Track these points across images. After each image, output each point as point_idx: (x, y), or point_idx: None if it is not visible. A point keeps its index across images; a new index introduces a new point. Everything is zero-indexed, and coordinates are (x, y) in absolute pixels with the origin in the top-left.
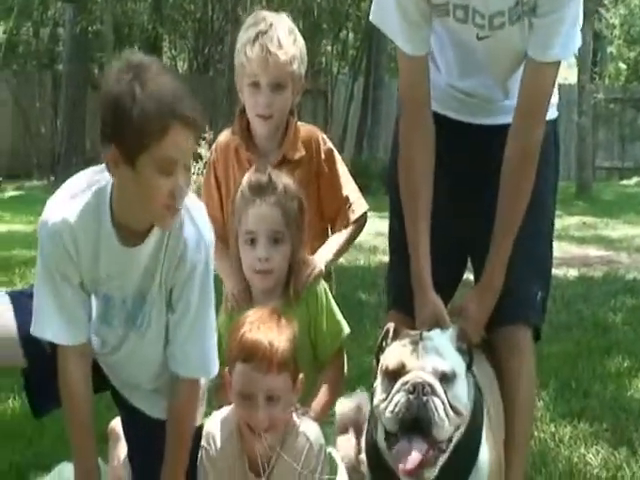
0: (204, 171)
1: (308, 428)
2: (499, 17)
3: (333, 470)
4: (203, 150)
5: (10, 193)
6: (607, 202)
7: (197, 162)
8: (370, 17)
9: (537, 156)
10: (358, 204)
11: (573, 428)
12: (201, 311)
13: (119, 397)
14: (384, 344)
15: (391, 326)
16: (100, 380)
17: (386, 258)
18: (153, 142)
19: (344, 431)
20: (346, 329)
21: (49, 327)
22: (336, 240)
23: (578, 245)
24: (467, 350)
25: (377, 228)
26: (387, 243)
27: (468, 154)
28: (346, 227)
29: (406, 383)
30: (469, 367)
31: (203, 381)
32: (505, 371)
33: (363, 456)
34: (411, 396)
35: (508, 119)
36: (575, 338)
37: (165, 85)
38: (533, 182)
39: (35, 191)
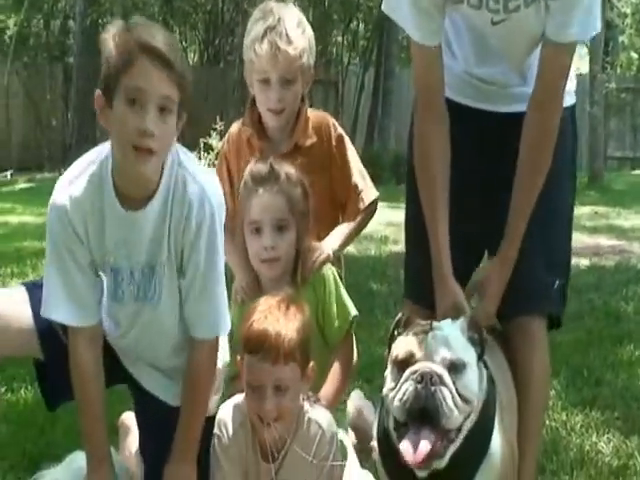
0: (216, 162)
1: (320, 416)
2: (514, 0)
3: (343, 456)
4: (214, 141)
5: (21, 185)
6: (619, 192)
7: (208, 153)
8: (382, 6)
9: (556, 132)
10: (368, 191)
11: (585, 416)
12: (209, 271)
13: (134, 384)
14: (395, 333)
15: (403, 315)
16: (115, 371)
17: (397, 248)
18: (123, 75)
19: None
20: (353, 311)
21: (58, 308)
22: (345, 227)
23: (590, 235)
24: (479, 340)
25: (388, 218)
26: (397, 233)
27: (485, 141)
28: (356, 215)
29: (414, 372)
30: (480, 357)
31: (221, 364)
32: (518, 362)
33: (374, 443)
34: (419, 386)
35: (525, 107)
36: (587, 327)
37: (146, 28)
38: (551, 158)
39: (46, 183)
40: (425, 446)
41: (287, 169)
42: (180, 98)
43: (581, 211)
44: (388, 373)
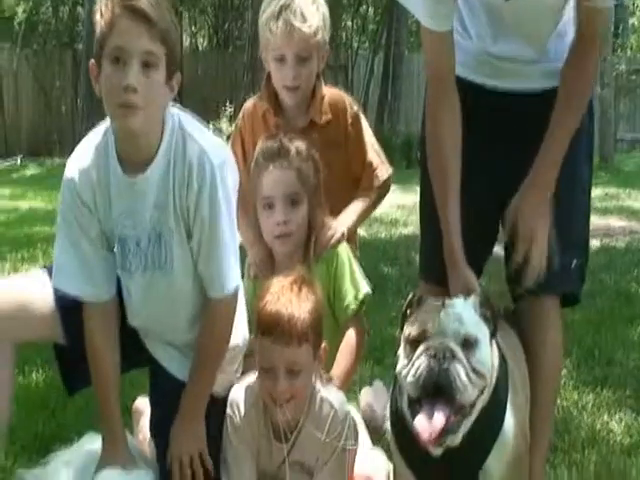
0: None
1: (332, 395)
2: None
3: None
4: (224, 125)
5: (31, 171)
6: (629, 173)
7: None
8: None
9: (599, 49)
10: (383, 168)
11: (596, 395)
12: (214, 230)
13: (150, 362)
14: (408, 312)
15: (415, 294)
16: (133, 353)
17: (407, 231)
18: (107, 37)
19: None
20: (365, 289)
21: (70, 281)
22: (359, 204)
23: (600, 216)
24: (491, 317)
25: (398, 201)
26: (408, 216)
27: (502, 119)
28: (370, 191)
29: (427, 348)
30: (493, 335)
31: (241, 340)
32: (531, 341)
33: (387, 424)
34: (432, 361)
35: (545, 83)
36: (598, 307)
37: None
38: (596, 71)
39: (56, 169)
40: (439, 420)
41: (297, 144)
42: (166, 53)
43: (592, 193)
44: (401, 351)
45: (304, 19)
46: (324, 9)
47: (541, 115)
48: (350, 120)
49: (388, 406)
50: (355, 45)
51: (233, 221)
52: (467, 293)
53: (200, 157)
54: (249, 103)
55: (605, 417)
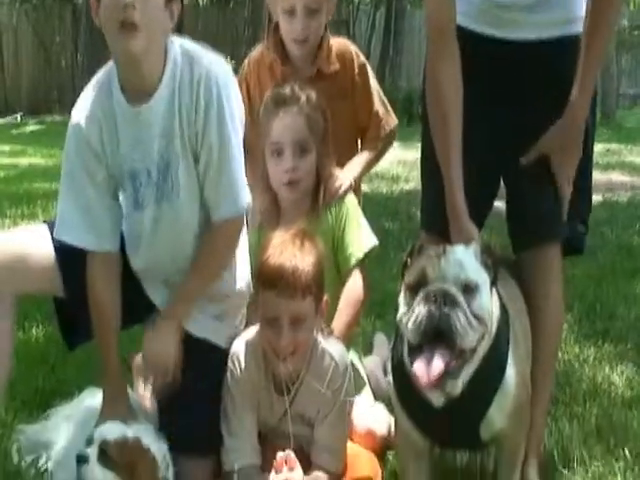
0: None
1: (333, 348)
2: None
3: (359, 388)
4: None
5: (31, 127)
6: (631, 129)
7: None
8: None
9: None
10: (389, 119)
11: (597, 349)
12: (223, 149)
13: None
14: (409, 261)
15: (417, 243)
16: (136, 306)
17: (408, 186)
18: None
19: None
20: (369, 242)
21: (73, 231)
22: (366, 155)
23: (602, 171)
24: (492, 265)
25: (399, 157)
26: (409, 172)
27: (506, 70)
28: (376, 141)
29: (427, 294)
30: (493, 283)
31: (244, 285)
32: (532, 292)
33: (390, 378)
34: (432, 306)
35: (544, 33)
36: (599, 261)
37: None
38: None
39: (56, 125)
40: (439, 364)
41: (308, 92)
42: None
43: (594, 148)
44: (401, 298)
45: None
46: None
47: (540, 64)
48: (357, 70)
49: (389, 358)
50: (356, 0)
51: (240, 141)
52: (468, 244)
53: (207, 78)
54: (256, 51)
55: (606, 370)
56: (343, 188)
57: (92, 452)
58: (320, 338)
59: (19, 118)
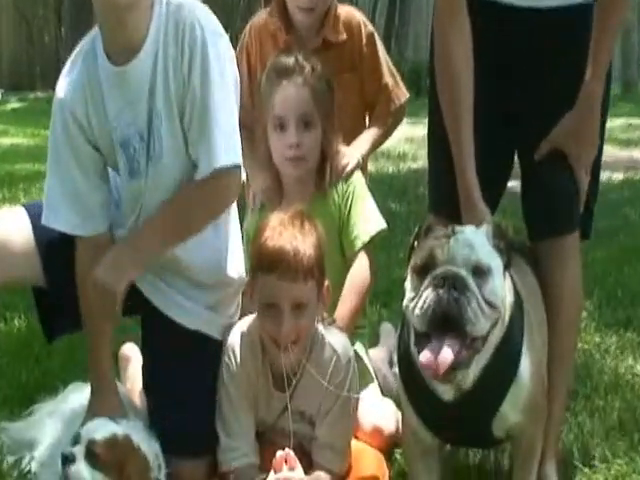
0: None
1: (335, 339)
2: None
3: (365, 383)
4: None
5: (13, 105)
6: None
7: None
8: None
9: None
10: (399, 92)
11: (619, 338)
12: (206, 99)
13: (146, 307)
14: (416, 244)
15: (424, 225)
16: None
17: (416, 165)
18: None
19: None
20: (376, 225)
21: (59, 215)
22: (374, 131)
23: (623, 148)
24: (505, 249)
25: (407, 133)
26: (417, 149)
27: (522, 39)
28: (385, 116)
29: (435, 278)
30: (506, 267)
31: (236, 274)
32: (549, 280)
33: (396, 369)
34: (441, 290)
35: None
36: (621, 243)
37: None
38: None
39: (39, 103)
40: (448, 353)
41: (312, 62)
42: None
43: (614, 123)
44: (408, 283)
45: None
46: None
47: (561, 31)
48: (365, 40)
49: (395, 348)
50: None
51: (229, 102)
52: (479, 225)
53: (191, 27)
54: (258, 17)
55: (629, 360)
56: (350, 166)
57: (79, 452)
58: (321, 328)
59: (0, 96)
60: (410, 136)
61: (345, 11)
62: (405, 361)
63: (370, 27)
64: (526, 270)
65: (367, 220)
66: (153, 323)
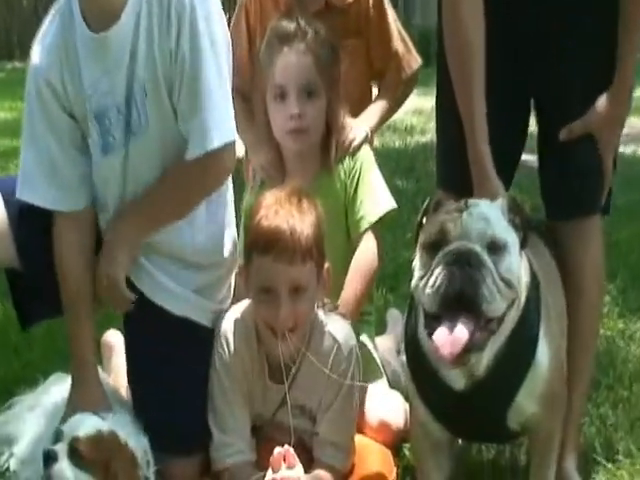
0: None
1: (336, 327)
2: None
3: (374, 378)
4: None
5: None
6: None
7: None
8: None
9: None
10: (410, 59)
11: None
12: (196, 69)
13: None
14: (424, 220)
15: (432, 200)
16: None
17: (424, 139)
18: None
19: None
20: (385, 203)
21: (35, 189)
22: (383, 102)
23: None
24: (521, 225)
25: (414, 105)
26: (425, 122)
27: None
28: (396, 85)
29: (448, 254)
30: (523, 246)
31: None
32: (569, 262)
33: (403, 357)
34: (454, 268)
35: None
36: None
37: None
38: None
39: (17, 74)
40: (462, 333)
41: (316, 26)
42: None
43: (638, 93)
44: (417, 261)
45: None
46: None
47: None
48: (372, 1)
49: (403, 334)
50: None
51: (221, 72)
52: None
53: None
54: None
55: None
56: (357, 140)
57: (61, 450)
58: (321, 315)
59: None
60: (419, 107)
61: None
62: (413, 347)
63: None
64: (544, 252)
65: (375, 199)
66: (136, 311)
